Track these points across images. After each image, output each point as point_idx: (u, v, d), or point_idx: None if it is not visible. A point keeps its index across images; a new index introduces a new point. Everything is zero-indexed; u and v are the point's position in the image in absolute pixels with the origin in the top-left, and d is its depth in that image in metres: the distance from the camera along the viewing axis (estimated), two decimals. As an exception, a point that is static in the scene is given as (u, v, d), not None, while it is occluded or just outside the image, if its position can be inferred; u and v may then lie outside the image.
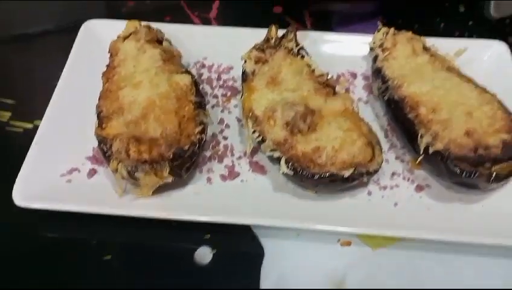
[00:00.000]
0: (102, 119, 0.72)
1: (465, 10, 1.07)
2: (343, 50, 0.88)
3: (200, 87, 0.84)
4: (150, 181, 0.67)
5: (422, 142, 0.69)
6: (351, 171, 0.66)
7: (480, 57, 0.84)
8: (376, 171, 0.68)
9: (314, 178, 0.66)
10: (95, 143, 0.72)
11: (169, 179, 0.67)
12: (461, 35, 1.01)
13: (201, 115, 0.72)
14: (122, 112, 0.71)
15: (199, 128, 0.70)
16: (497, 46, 0.85)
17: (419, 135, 0.70)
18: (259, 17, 1.06)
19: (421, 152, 0.69)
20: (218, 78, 0.87)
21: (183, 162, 0.68)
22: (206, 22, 1.04)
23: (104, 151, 0.69)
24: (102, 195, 0.71)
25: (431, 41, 0.83)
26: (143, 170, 0.66)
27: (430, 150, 0.68)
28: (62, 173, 0.73)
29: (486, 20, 0.97)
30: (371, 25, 1.03)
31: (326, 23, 1.04)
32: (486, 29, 1.00)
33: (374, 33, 0.86)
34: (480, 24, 1.02)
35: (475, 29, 1.01)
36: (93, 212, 0.69)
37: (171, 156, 0.66)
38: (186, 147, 0.68)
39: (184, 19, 1.04)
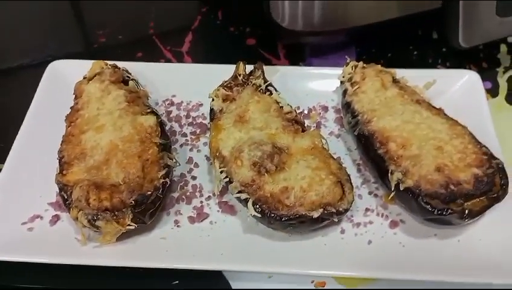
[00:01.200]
0: (63, 165, 0.69)
1: (438, 37, 1.07)
2: (313, 83, 0.87)
3: (169, 126, 0.83)
4: (112, 229, 0.64)
5: (393, 179, 0.67)
6: (320, 211, 0.64)
7: (452, 87, 0.83)
8: (346, 211, 0.67)
9: (283, 220, 0.64)
10: (57, 188, 0.69)
11: (132, 227, 0.65)
12: (435, 62, 1.00)
13: (165, 157, 0.70)
14: (84, 157, 0.69)
15: (163, 172, 0.68)
16: (469, 76, 0.84)
17: (390, 171, 0.68)
18: (233, 49, 1.05)
19: (392, 188, 0.67)
20: (187, 116, 0.85)
21: (146, 208, 0.65)
22: (178, 56, 1.03)
23: (65, 199, 0.67)
24: (65, 243, 0.68)
25: (401, 73, 0.83)
26: (104, 218, 0.64)
27: (401, 187, 0.66)
28: (23, 220, 0.71)
29: (454, 48, 0.97)
30: (345, 56, 1.03)
31: (299, 54, 1.03)
32: (460, 56, 1.00)
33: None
34: (453, 51, 1.02)
35: (449, 56, 1.01)
36: (54, 263, 0.66)
37: (133, 202, 0.64)
38: (149, 193, 0.66)
39: (156, 54, 1.04)
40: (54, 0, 1.17)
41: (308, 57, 1.03)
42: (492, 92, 0.95)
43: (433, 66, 1.00)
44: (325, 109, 0.85)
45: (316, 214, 0.64)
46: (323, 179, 0.66)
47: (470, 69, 0.94)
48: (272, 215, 0.65)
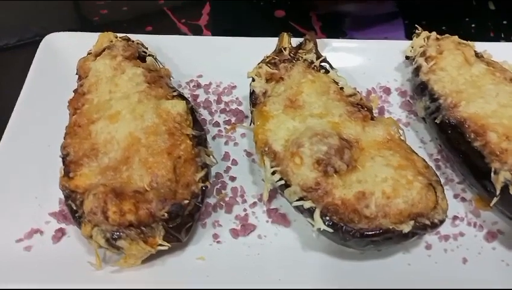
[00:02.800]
0: (69, 164, 0.54)
1: (496, 8, 0.92)
2: (371, 60, 0.72)
3: (197, 114, 0.67)
4: (137, 251, 0.49)
5: (499, 180, 0.52)
6: (411, 224, 0.49)
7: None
8: (442, 222, 0.52)
9: (363, 236, 0.49)
10: (61, 194, 0.54)
11: (166, 247, 0.49)
12: (497, 36, 0.87)
13: (202, 154, 0.54)
14: (96, 154, 0.54)
15: (202, 174, 0.53)
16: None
17: (493, 169, 0.53)
18: (259, 23, 0.91)
19: (497, 192, 0.53)
20: (218, 101, 0.69)
21: (182, 222, 0.50)
22: (196, 30, 0.88)
23: (74, 210, 0.51)
24: (73, 266, 0.54)
25: (481, 47, 0.68)
26: (128, 237, 0.48)
27: (511, 190, 0.51)
28: (19, 237, 0.55)
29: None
30: (391, 28, 0.89)
31: (338, 27, 0.89)
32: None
33: (398, 37, 0.71)
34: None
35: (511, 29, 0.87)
36: (60, 291, 0.51)
37: (166, 215, 0.48)
38: (186, 202, 0.50)
39: (169, 29, 0.89)
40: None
41: (349, 31, 0.89)
42: None
43: (496, 40, 0.86)
44: (387, 91, 0.70)
45: (406, 229, 0.49)
46: (411, 181, 0.51)
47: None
48: (348, 229, 0.49)
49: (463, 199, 0.60)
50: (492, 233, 0.57)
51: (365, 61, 0.73)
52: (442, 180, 0.61)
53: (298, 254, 0.55)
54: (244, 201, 0.60)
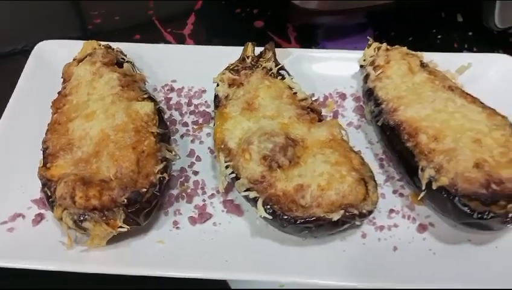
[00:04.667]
0: (47, 157, 0.61)
1: (464, 20, 0.98)
2: (330, 68, 0.79)
3: (168, 114, 0.75)
4: (101, 232, 0.56)
5: (424, 176, 0.59)
6: (340, 213, 0.56)
7: (485, 73, 0.75)
8: (370, 213, 0.58)
9: (297, 223, 0.56)
10: (42, 183, 0.61)
11: (125, 229, 0.56)
12: (461, 47, 0.92)
13: (163, 149, 0.62)
14: (71, 148, 0.61)
15: (160, 166, 0.60)
16: (504, 61, 0.75)
17: (420, 167, 0.59)
18: (239, 32, 0.97)
19: (423, 187, 0.59)
20: (189, 103, 0.76)
21: (140, 207, 0.57)
22: (180, 39, 0.95)
23: (48, 196, 0.58)
24: (50, 246, 0.60)
25: (429, 57, 0.74)
26: (92, 219, 0.55)
27: (434, 186, 0.58)
28: (3, 219, 0.63)
29: (488, 30, 0.88)
30: (362, 39, 0.94)
31: (312, 37, 0.95)
32: (488, 41, 0.91)
33: (364, 48, 0.76)
34: (481, 35, 0.93)
35: (475, 40, 0.93)
36: (35, 268, 0.58)
37: (126, 201, 0.56)
38: (144, 190, 0.57)
39: (156, 37, 0.95)
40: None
41: (322, 41, 0.94)
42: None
43: (458, 51, 0.91)
44: (343, 96, 0.77)
45: (336, 217, 0.56)
46: (344, 175, 0.58)
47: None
48: (285, 217, 0.56)
49: (401, 195, 0.66)
50: (424, 225, 0.63)
51: (326, 69, 0.78)
52: (384, 178, 0.68)
53: (247, 239, 0.61)
54: (204, 193, 0.66)
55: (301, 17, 0.96)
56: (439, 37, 0.95)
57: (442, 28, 0.96)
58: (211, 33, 0.99)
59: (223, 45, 0.82)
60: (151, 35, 0.95)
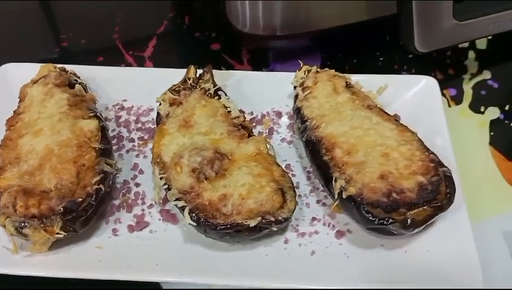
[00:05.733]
0: (-3, 170, 0.67)
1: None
2: (268, 88, 0.84)
3: (117, 131, 0.81)
4: (39, 238, 0.61)
5: (336, 187, 0.65)
6: (257, 220, 0.62)
7: (407, 93, 0.81)
8: (286, 220, 0.64)
9: (218, 229, 0.62)
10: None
11: (61, 235, 0.62)
12: (400, 68, 0.98)
13: (102, 163, 0.68)
14: (18, 162, 0.67)
15: (97, 178, 0.65)
16: (426, 81, 0.82)
17: (334, 178, 0.65)
18: (196, 54, 1.04)
19: (336, 197, 0.65)
20: (137, 121, 0.82)
21: (77, 215, 0.63)
22: (140, 60, 1.01)
23: (-5, 205, 0.64)
24: (-4, 252, 0.65)
25: (357, 78, 0.80)
26: (31, 226, 0.61)
27: (344, 195, 0.64)
28: (-46, 227, 0.68)
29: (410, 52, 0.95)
30: (310, 61, 1.01)
31: (263, 60, 1.01)
32: (426, 62, 0.98)
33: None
34: (420, 57, 1.00)
35: (415, 62, 0.99)
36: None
37: (62, 209, 0.62)
38: (80, 199, 0.63)
39: (118, 59, 1.01)
40: (19, 0, 1.15)
41: (272, 63, 1.01)
42: (457, 99, 0.93)
43: (398, 72, 0.97)
44: (279, 114, 0.83)
45: (253, 223, 0.61)
46: (264, 186, 0.64)
47: (435, 75, 0.92)
48: (207, 224, 0.62)
49: (324, 204, 0.71)
50: (342, 232, 0.68)
51: (265, 89, 0.84)
52: (310, 188, 0.74)
53: (179, 245, 0.67)
54: (144, 203, 0.72)
55: (253, 42, 1.04)
56: (381, 59, 1.01)
57: (385, 50, 1.03)
58: (169, 56, 1.06)
59: (180, 67, 0.86)
60: (113, 58, 1.01)
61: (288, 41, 1.03)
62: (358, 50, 1.02)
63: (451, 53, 1.02)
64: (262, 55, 1.02)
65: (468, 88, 0.95)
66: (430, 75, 0.85)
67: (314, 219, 0.70)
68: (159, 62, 1.01)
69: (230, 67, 0.99)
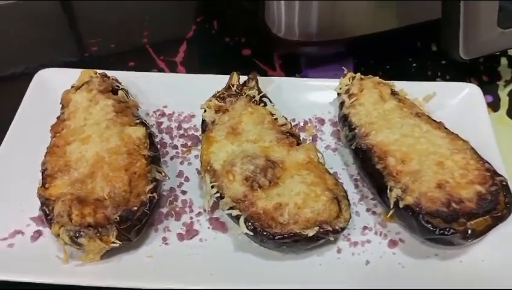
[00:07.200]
0: (46, 177, 0.66)
1: (438, 50, 1.04)
2: (309, 95, 0.84)
3: (159, 137, 0.80)
4: (95, 247, 0.61)
5: (392, 196, 0.64)
6: (315, 230, 0.61)
7: (452, 100, 0.81)
8: (343, 229, 0.63)
9: (276, 239, 0.61)
10: (41, 202, 0.66)
11: (117, 244, 0.61)
12: (434, 75, 0.98)
13: (153, 171, 0.67)
14: (68, 169, 0.66)
15: (150, 187, 0.65)
16: (469, 89, 0.82)
17: (389, 187, 0.65)
18: (227, 60, 1.03)
19: (391, 206, 0.64)
20: (179, 128, 0.82)
21: (132, 224, 0.62)
22: (172, 66, 1.01)
23: (47, 214, 0.63)
24: (46, 261, 0.64)
25: (400, 86, 0.80)
26: (87, 235, 0.60)
27: (400, 204, 0.63)
28: (4, 236, 0.67)
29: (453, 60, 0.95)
30: (342, 67, 1.01)
31: (295, 66, 1.01)
32: (460, 69, 0.98)
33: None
34: (453, 63, 0.99)
35: (448, 68, 0.99)
36: (33, 281, 0.62)
37: (118, 218, 0.61)
38: (135, 208, 0.62)
39: (149, 64, 1.01)
40: (46, 7, 1.15)
41: (304, 68, 1.00)
42: (494, 105, 0.92)
43: (432, 78, 0.97)
44: (322, 121, 0.82)
45: (311, 233, 0.61)
46: (319, 195, 0.63)
47: (470, 82, 0.91)
48: (265, 233, 0.61)
49: (374, 213, 0.71)
50: (394, 241, 0.68)
51: (306, 96, 0.84)
52: (359, 197, 0.73)
53: (230, 254, 0.66)
54: (192, 211, 0.71)
55: (285, 47, 1.03)
56: (414, 65, 1.01)
57: (417, 57, 1.02)
58: (200, 61, 1.06)
59: (212, 73, 0.87)
60: (144, 62, 1.01)
61: (322, 47, 1.03)
62: (390, 57, 1.02)
63: (484, 60, 1.01)
64: (294, 61, 1.02)
65: (504, 95, 0.95)
66: (465, 82, 0.85)
67: (365, 227, 0.69)
68: (191, 67, 1.01)
69: (262, 73, 0.99)
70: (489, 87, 0.96)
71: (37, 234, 0.68)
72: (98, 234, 0.60)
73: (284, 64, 1.01)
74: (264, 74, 0.98)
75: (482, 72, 0.99)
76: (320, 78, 0.92)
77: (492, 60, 1.01)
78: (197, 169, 0.76)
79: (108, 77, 0.80)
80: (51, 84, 0.84)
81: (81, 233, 0.60)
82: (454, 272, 0.64)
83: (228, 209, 0.64)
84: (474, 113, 0.79)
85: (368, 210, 0.71)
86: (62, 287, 0.62)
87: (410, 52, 1.04)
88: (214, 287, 0.62)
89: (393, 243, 0.67)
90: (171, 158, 0.78)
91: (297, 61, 1.02)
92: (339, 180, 0.74)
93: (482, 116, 0.78)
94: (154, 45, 1.06)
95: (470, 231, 0.60)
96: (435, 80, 0.97)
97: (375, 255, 0.66)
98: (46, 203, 0.64)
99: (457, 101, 0.81)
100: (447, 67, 0.99)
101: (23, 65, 1.00)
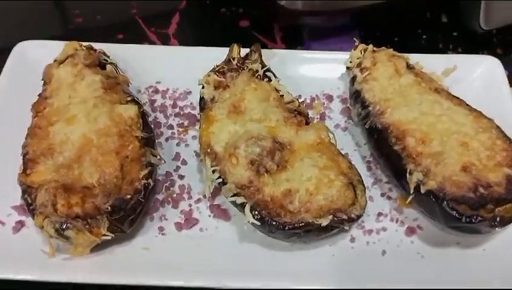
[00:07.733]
0: (27, 162, 0.60)
1: (449, 21, 0.98)
2: (316, 69, 0.78)
3: (152, 116, 0.73)
4: (84, 240, 0.54)
5: (412, 180, 0.58)
6: (329, 219, 0.55)
7: (470, 75, 0.75)
8: (359, 217, 0.58)
9: (286, 229, 0.55)
10: (23, 190, 0.59)
11: (109, 237, 0.55)
12: (446, 48, 0.92)
13: (148, 154, 0.60)
14: (51, 153, 0.59)
15: (145, 172, 0.58)
16: (488, 62, 0.76)
17: (408, 170, 0.59)
18: (224, 32, 0.96)
19: (412, 191, 0.59)
20: (174, 106, 0.75)
21: (125, 214, 0.56)
22: (164, 38, 0.94)
23: (29, 203, 0.57)
24: (30, 254, 0.59)
25: (415, 59, 0.74)
26: (74, 227, 0.54)
27: (422, 189, 0.57)
28: (-18, 227, 0.61)
29: (471, 31, 0.88)
30: (347, 40, 0.94)
31: (298, 38, 0.94)
32: (472, 41, 0.92)
33: (351, 50, 0.76)
34: (465, 35, 0.94)
35: (460, 41, 0.93)
36: (16, 278, 0.56)
37: (109, 208, 0.54)
38: (129, 196, 0.56)
39: (139, 36, 0.93)
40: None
41: (308, 41, 0.94)
42: (510, 79, 0.86)
43: (443, 51, 0.92)
44: (330, 98, 0.76)
45: (324, 222, 0.55)
46: (333, 180, 0.57)
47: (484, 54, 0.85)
48: (273, 223, 0.55)
49: (389, 197, 0.66)
50: (412, 228, 0.63)
51: (312, 70, 0.78)
52: (372, 180, 0.68)
53: (235, 245, 0.61)
54: (190, 197, 0.65)
55: (287, 18, 0.96)
56: (424, 37, 0.95)
57: (427, 28, 0.96)
58: (195, 33, 0.98)
59: (207, 45, 0.80)
60: (134, 35, 0.94)
61: (326, 18, 0.96)
62: (398, 29, 0.96)
63: (497, 31, 0.95)
64: (296, 33, 0.95)
65: (521, 68, 0.89)
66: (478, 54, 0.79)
67: (380, 214, 0.64)
68: (185, 40, 0.94)
69: (262, 46, 0.91)
70: (504, 59, 0.90)
71: (19, 225, 0.62)
72: (87, 226, 0.54)
73: (286, 36, 0.94)
74: (265, 47, 0.91)
75: (495, 44, 0.93)
76: (324, 51, 0.85)
77: (506, 32, 0.95)
78: (195, 151, 0.70)
79: (95, 50, 0.72)
80: (32, 58, 0.76)
81: (68, 225, 0.54)
82: (477, 261, 0.59)
83: (232, 197, 0.58)
84: (495, 88, 0.73)
85: (382, 195, 0.66)
86: (48, 284, 0.56)
87: (420, 23, 0.97)
88: (216, 284, 0.57)
89: (411, 231, 0.62)
90: (166, 139, 0.71)
91: (300, 33, 0.95)
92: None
93: (505, 92, 0.72)
94: (144, 16, 0.98)
95: (498, 219, 0.55)
96: (447, 53, 0.91)
97: (392, 244, 0.61)
98: (28, 191, 0.57)
99: (475, 75, 0.75)
100: (459, 39, 0.94)
101: (2, 39, 0.92)
